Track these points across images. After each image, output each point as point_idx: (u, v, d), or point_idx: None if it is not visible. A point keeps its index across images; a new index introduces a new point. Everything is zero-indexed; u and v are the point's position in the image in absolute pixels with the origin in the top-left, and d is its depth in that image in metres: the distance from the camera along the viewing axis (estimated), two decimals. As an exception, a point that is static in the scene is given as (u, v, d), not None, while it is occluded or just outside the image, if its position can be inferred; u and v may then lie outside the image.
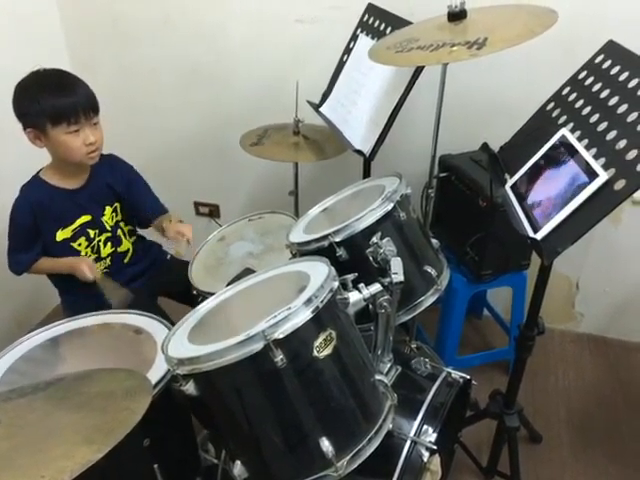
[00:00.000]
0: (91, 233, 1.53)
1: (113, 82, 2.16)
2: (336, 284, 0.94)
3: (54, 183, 1.48)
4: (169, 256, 1.76)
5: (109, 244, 1.57)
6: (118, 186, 1.58)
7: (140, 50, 2.13)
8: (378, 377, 0.99)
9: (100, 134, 1.44)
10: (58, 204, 1.47)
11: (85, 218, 1.51)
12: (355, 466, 0.91)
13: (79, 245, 1.52)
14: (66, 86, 1.37)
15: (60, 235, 1.48)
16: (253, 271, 1.24)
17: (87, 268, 1.43)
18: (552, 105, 1.30)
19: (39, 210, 1.45)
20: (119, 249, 1.60)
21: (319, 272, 0.99)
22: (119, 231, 1.60)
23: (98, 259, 1.56)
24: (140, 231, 1.72)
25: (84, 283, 1.47)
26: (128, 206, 1.61)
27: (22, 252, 1.48)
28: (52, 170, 1.48)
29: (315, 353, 0.88)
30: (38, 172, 1.49)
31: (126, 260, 1.62)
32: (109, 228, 1.56)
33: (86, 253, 1.53)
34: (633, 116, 1.02)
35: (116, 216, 1.59)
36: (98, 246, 1.55)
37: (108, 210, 1.56)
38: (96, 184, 1.54)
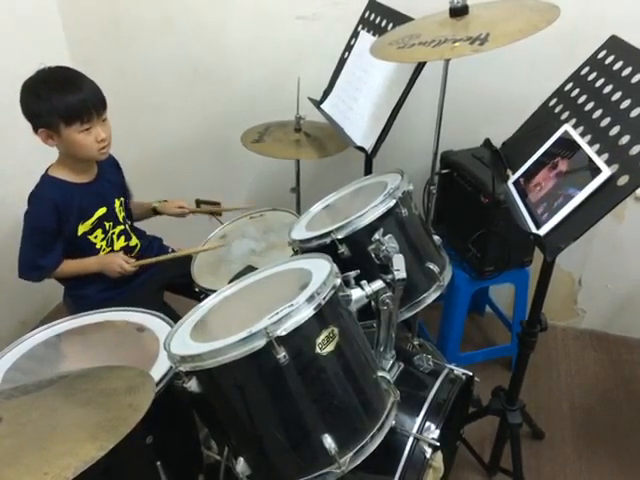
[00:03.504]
0: (106, 225, 1.54)
1: (114, 81, 2.15)
2: (338, 281, 0.94)
3: (68, 179, 1.48)
4: (171, 249, 1.77)
5: (122, 237, 1.59)
6: (119, 180, 1.61)
7: (141, 49, 2.13)
8: (380, 374, 0.99)
9: (109, 129, 1.45)
10: (78, 199, 1.47)
11: (102, 210, 1.53)
12: (358, 463, 0.91)
13: (95, 237, 1.52)
14: (75, 84, 1.37)
15: (81, 229, 1.49)
16: (255, 268, 1.24)
17: (121, 259, 1.49)
18: (555, 101, 1.29)
19: (63, 208, 1.44)
20: (130, 243, 1.62)
21: (321, 269, 0.99)
22: (128, 225, 1.62)
23: (111, 252, 1.57)
24: (143, 224, 1.73)
25: (90, 278, 1.49)
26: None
27: (43, 257, 1.46)
28: (62, 167, 1.48)
29: (318, 350, 0.88)
30: (46, 172, 1.48)
31: (133, 255, 1.63)
32: (121, 220, 1.58)
33: (101, 246, 1.54)
34: (636, 111, 1.02)
35: (122, 210, 1.60)
36: (112, 239, 1.56)
37: (117, 203, 1.58)
38: (104, 178, 1.56)
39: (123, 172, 1.67)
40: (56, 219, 1.44)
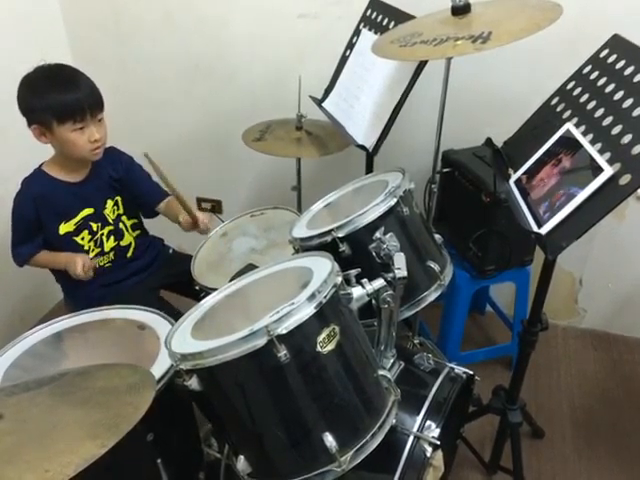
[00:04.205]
0: (94, 226, 1.53)
1: (115, 77, 2.15)
2: (339, 279, 0.94)
3: (57, 176, 1.48)
4: (171, 250, 1.77)
5: (112, 237, 1.58)
6: (118, 178, 1.58)
7: (142, 45, 2.12)
8: (381, 372, 0.98)
9: (104, 130, 1.44)
10: (61, 197, 1.47)
11: (88, 211, 1.52)
12: (358, 461, 0.91)
13: (82, 239, 1.52)
14: (72, 83, 1.37)
15: (63, 229, 1.49)
16: (256, 267, 1.24)
17: (80, 263, 1.39)
18: (556, 100, 1.29)
19: (42, 203, 1.45)
20: (122, 243, 1.60)
21: (322, 267, 0.98)
22: (121, 224, 1.60)
23: (101, 253, 1.56)
24: (145, 224, 1.72)
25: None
26: (129, 197, 1.62)
27: (22, 245, 1.49)
28: (55, 164, 1.48)
29: (318, 348, 0.88)
30: (40, 166, 1.49)
31: (129, 254, 1.62)
32: (111, 221, 1.57)
33: (89, 247, 1.53)
34: (638, 110, 1.01)
35: (117, 209, 1.59)
36: (101, 240, 1.55)
37: (109, 203, 1.57)
38: (98, 177, 1.54)
39: (138, 169, 1.63)
40: (34, 212, 1.45)
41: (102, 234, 1.55)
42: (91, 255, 1.53)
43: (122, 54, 2.16)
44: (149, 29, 2.09)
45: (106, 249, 1.57)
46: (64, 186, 1.48)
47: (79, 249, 1.51)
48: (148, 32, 2.09)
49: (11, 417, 0.75)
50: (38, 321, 2.02)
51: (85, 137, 1.39)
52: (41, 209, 1.45)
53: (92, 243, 1.54)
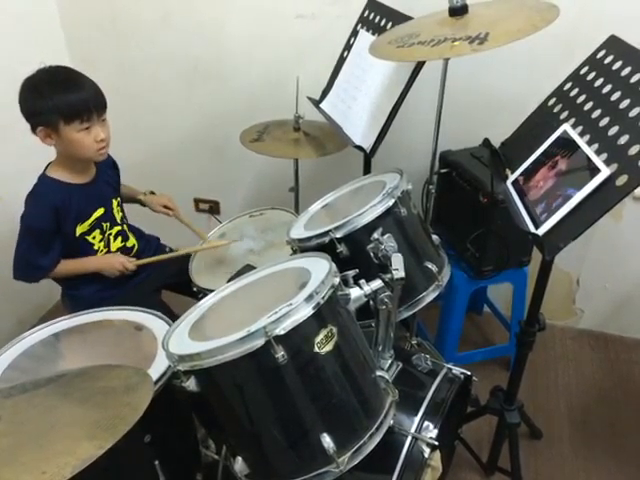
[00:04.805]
0: (104, 226, 1.54)
1: (113, 79, 2.15)
2: (337, 280, 0.94)
3: (67, 180, 1.47)
4: (168, 248, 1.77)
5: (119, 238, 1.58)
6: (116, 180, 1.61)
7: (140, 47, 2.12)
8: (379, 373, 0.99)
9: (108, 130, 1.44)
10: (76, 200, 1.46)
11: (100, 211, 1.52)
12: (356, 462, 0.91)
13: (93, 238, 1.52)
14: (76, 83, 1.37)
15: (79, 230, 1.48)
16: (254, 267, 1.24)
17: (124, 259, 1.51)
18: (554, 101, 1.29)
19: (62, 210, 1.43)
20: (127, 244, 1.61)
21: (320, 268, 0.99)
22: (125, 226, 1.61)
23: (107, 253, 1.57)
24: (142, 224, 1.73)
25: (87, 278, 1.49)
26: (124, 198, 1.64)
27: (42, 257, 1.45)
28: (60, 168, 1.47)
29: (316, 349, 0.88)
30: (44, 172, 1.47)
31: (130, 256, 1.62)
32: (119, 221, 1.58)
33: (98, 248, 1.54)
34: (635, 111, 1.02)
35: (120, 211, 1.60)
36: (109, 240, 1.56)
37: (114, 203, 1.58)
38: (102, 178, 1.55)
39: (120, 171, 1.67)
40: (54, 220, 1.43)
41: (110, 234, 1.56)
42: (99, 255, 1.54)
43: (120, 56, 2.16)
44: (147, 31, 2.09)
45: (112, 249, 1.57)
46: (77, 188, 1.47)
47: (90, 248, 1.52)
48: (146, 34, 2.09)
49: (8, 419, 0.75)
50: (35, 322, 2.02)
51: (91, 137, 1.38)
52: (61, 216, 1.43)
53: (102, 243, 1.54)
